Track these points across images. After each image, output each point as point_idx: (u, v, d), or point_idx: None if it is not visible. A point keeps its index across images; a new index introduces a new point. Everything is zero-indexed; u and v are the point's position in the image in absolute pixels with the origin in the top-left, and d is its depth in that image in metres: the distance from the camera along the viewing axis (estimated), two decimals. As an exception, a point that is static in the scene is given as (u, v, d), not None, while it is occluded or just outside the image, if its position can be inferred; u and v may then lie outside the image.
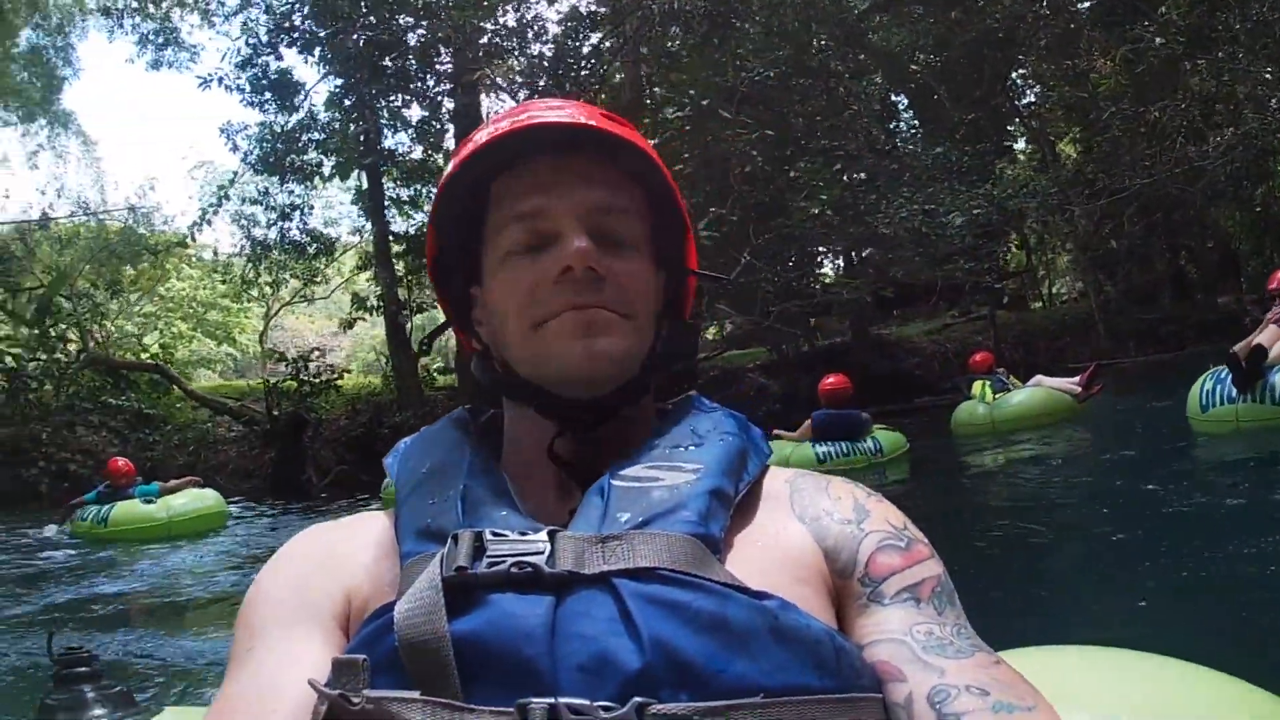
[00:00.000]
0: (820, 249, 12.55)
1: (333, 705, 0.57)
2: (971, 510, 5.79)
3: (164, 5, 15.68)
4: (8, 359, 13.56)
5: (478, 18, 11.70)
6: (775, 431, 7.95)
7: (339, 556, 0.72)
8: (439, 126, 12.98)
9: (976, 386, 9.12)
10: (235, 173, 13.75)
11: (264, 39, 12.94)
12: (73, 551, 7.69)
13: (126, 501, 8.22)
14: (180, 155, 46.69)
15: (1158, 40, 12.05)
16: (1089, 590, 3.54)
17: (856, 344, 13.97)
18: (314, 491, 11.28)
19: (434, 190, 0.85)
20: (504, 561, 0.60)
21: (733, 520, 0.68)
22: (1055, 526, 4.72)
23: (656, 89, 11.75)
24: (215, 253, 17.84)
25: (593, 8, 12.46)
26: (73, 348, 13.97)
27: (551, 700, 0.54)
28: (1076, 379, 9.10)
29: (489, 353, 0.78)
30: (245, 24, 13.68)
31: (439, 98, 12.66)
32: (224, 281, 17.69)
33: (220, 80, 12.56)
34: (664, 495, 0.66)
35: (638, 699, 0.54)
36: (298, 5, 12.78)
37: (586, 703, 0.54)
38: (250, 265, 14.23)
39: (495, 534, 0.63)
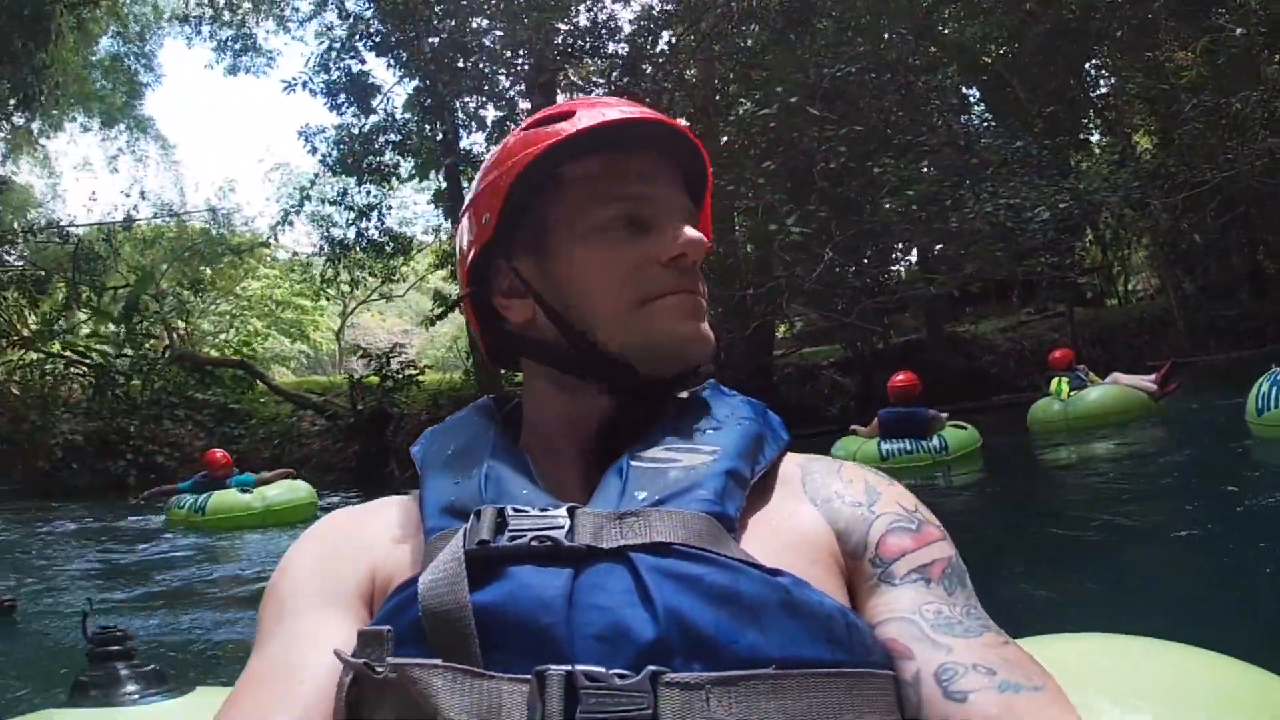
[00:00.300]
0: (897, 245, 12.39)
1: (358, 674, 0.59)
2: (1035, 506, 5.76)
3: (240, 11, 16.08)
4: (95, 355, 14.02)
5: (554, 19, 11.78)
6: (852, 427, 7.92)
7: (364, 536, 0.74)
8: (515, 127, 13.08)
9: (1055, 383, 8.99)
10: (315, 174, 14.03)
11: (344, 42, 13.19)
12: (169, 537, 7.89)
13: (223, 491, 8.43)
14: (257, 158, 47.75)
15: (1238, 31, 11.74)
16: (1136, 584, 3.52)
17: (932, 341, 13.78)
18: (396, 484, 11.44)
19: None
20: (525, 536, 0.62)
21: (748, 502, 0.69)
22: (1112, 523, 4.65)
23: (731, 87, 11.69)
24: (295, 252, 18.33)
25: (667, 7, 12.45)
26: (159, 344, 14.37)
27: (568, 668, 0.55)
28: (1153, 377, 8.93)
29: (536, 323, 0.78)
30: (321, 29, 14.00)
31: (515, 99, 12.77)
32: (303, 280, 18.10)
33: (305, 84, 12.81)
34: (681, 475, 0.68)
35: (652, 667, 0.55)
36: (372, 9, 13.02)
37: (602, 670, 0.55)
38: (329, 264, 14.52)
39: (516, 510, 0.65)
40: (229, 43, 15.92)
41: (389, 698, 0.57)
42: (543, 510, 0.65)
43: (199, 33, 16.20)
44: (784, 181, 9.49)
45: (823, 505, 0.72)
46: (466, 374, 14.31)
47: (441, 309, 12.62)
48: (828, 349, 14.12)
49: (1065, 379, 8.89)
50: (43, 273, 14.62)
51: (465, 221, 0.81)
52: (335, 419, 13.15)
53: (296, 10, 15.31)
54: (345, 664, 0.59)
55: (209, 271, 16.79)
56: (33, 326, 14.83)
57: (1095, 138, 18.20)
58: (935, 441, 7.38)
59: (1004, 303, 16.31)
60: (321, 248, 14.69)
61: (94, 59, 18.52)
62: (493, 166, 0.78)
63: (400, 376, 13.15)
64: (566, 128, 0.75)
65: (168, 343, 14.52)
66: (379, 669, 0.57)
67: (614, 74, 12.01)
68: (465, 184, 14.11)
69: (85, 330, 15.30)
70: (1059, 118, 14.90)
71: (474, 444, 0.76)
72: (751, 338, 11.63)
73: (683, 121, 13.03)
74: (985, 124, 16.00)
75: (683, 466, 0.68)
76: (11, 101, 14.52)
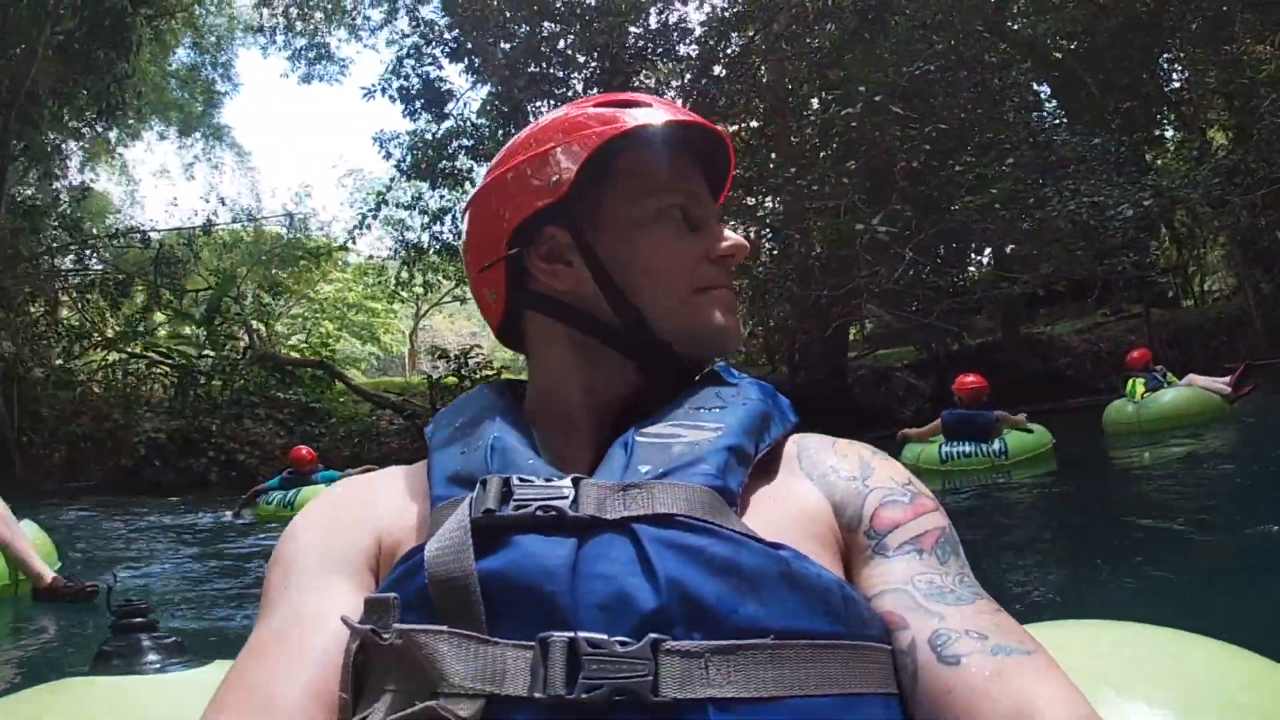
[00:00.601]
0: (972, 244, 12.25)
1: (364, 640, 0.59)
2: (1098, 507, 5.67)
3: (313, 21, 16.41)
4: (177, 356, 14.41)
5: (626, 22, 11.85)
6: (903, 432, 7.82)
7: (370, 505, 0.75)
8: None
9: (1130, 384, 8.85)
10: (391, 179, 14.28)
11: (423, 49, 13.40)
12: (256, 532, 8.04)
13: (311, 486, 8.61)
14: (330, 164, 48.81)
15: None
16: (1193, 584, 3.46)
17: (1007, 342, 13.57)
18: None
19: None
20: (530, 505, 0.63)
21: (751, 479, 0.70)
22: (1173, 526, 4.54)
23: (804, 87, 11.64)
24: (371, 255, 18.68)
25: (738, 9, 12.45)
26: (239, 345, 14.73)
27: (571, 634, 0.56)
28: (1227, 379, 8.72)
29: (579, 291, 0.79)
30: (392, 37, 14.23)
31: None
32: (376, 284, 18.42)
33: (384, 90, 13.04)
34: (684, 450, 0.68)
35: (653, 635, 0.56)
36: (446, 16, 13.20)
37: (604, 637, 0.56)
38: (404, 267, 14.74)
39: (522, 479, 0.65)
40: (303, 51, 16.28)
41: (395, 664, 0.58)
42: (547, 480, 0.66)
43: (274, 42, 16.59)
44: (864, 181, 9.43)
45: (819, 480, 0.74)
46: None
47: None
48: (901, 351, 13.98)
49: (1141, 380, 8.76)
50: (124, 276, 15.06)
51: (508, 178, 0.80)
52: (414, 418, 13.36)
53: (368, 19, 15.60)
54: (352, 630, 0.60)
55: (286, 275, 17.15)
56: (115, 328, 15.28)
57: (1169, 133, 17.78)
58: (996, 445, 7.27)
59: (1079, 304, 16.01)
60: (396, 251, 14.93)
61: (171, 69, 19.09)
62: (559, 132, 0.78)
63: (477, 376, 13.32)
64: (647, 116, 0.78)
65: (248, 344, 14.86)
66: (385, 635, 0.58)
67: (686, 76, 12.04)
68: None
69: (164, 332, 15.73)
70: (1134, 113, 14.60)
71: (481, 416, 0.77)
72: (827, 339, 11.57)
73: (754, 123, 13.05)
74: (1058, 121, 15.75)
75: (687, 442, 0.69)
76: (94, 110, 15.01)
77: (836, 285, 10.06)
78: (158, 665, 1.09)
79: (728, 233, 0.82)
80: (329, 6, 16.13)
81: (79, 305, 15.02)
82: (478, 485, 0.65)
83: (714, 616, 0.58)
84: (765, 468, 0.73)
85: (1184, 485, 5.92)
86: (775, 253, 10.75)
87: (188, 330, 15.23)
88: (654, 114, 0.79)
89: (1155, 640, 0.82)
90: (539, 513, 0.62)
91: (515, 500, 0.63)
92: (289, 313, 19.37)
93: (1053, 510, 6.03)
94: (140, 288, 15.32)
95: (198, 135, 20.42)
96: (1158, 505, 5.26)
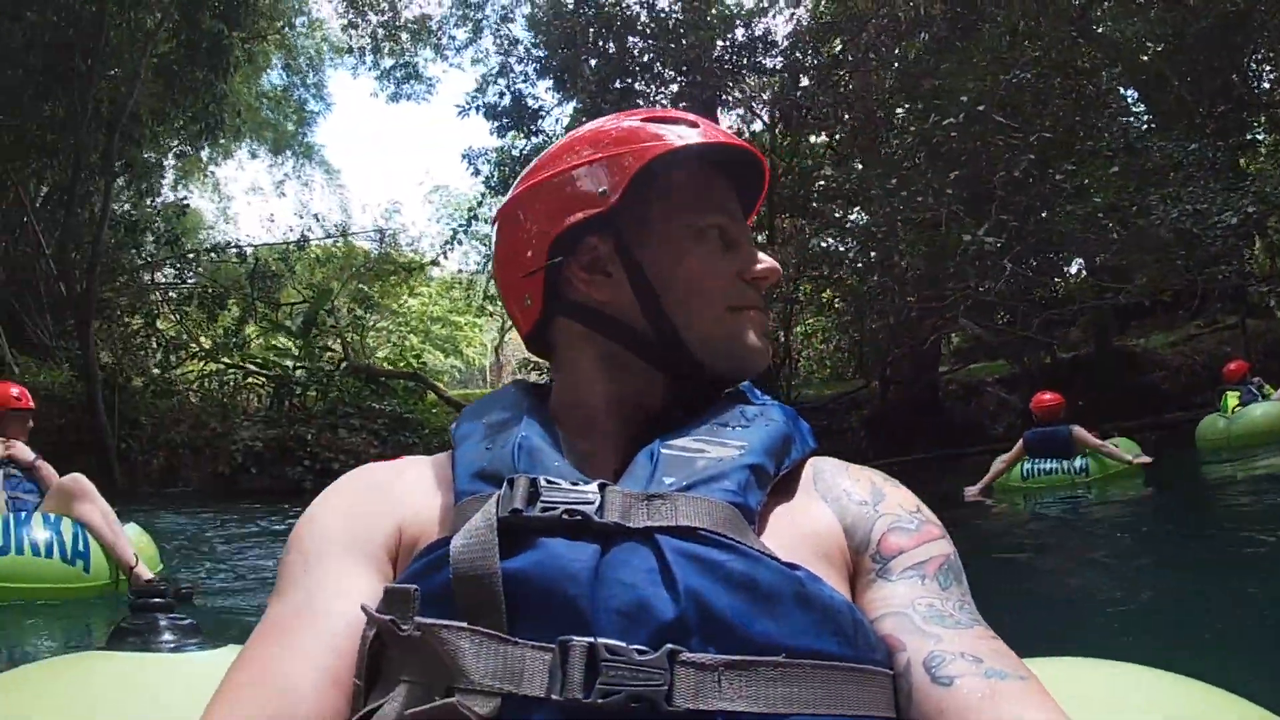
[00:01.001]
0: (1064, 255, 12.04)
1: (381, 630, 0.60)
2: (1176, 526, 5.62)
3: (400, 42, 16.85)
4: (273, 367, 14.88)
5: (713, 36, 11.96)
6: (995, 465, 7.67)
7: (394, 491, 0.76)
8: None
9: (1224, 398, 8.68)
10: (481, 195, 14.56)
11: (503, 66, 13.69)
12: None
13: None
14: (417, 181, 49.91)
15: None
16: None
17: (1099, 356, 13.30)
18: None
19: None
20: (556, 508, 0.63)
21: (769, 498, 0.71)
22: (1245, 548, 4.45)
23: (894, 98, 11.61)
24: (461, 269, 19.09)
25: (826, 19, 12.47)
26: (335, 357, 15.15)
27: (591, 640, 0.57)
28: None
29: (616, 302, 0.81)
30: (477, 56, 14.53)
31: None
32: (463, 298, 18.77)
33: (477, 108, 13.34)
34: (708, 464, 0.70)
35: (670, 645, 0.57)
36: (531, 33, 13.45)
37: (623, 644, 0.57)
38: (492, 282, 14.98)
39: (549, 481, 0.66)
40: (391, 71, 16.72)
41: (413, 656, 0.59)
42: (574, 484, 0.66)
43: (363, 62, 17.09)
44: (962, 191, 9.38)
45: (833, 503, 0.75)
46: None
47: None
48: (992, 365, 13.79)
49: (1235, 393, 8.59)
50: (221, 289, 15.60)
51: (548, 186, 0.81)
52: (504, 428, 13.49)
53: (453, 39, 15.98)
54: (371, 619, 0.61)
55: (377, 288, 17.62)
56: (211, 339, 15.81)
57: (1261, 137, 17.26)
58: (1078, 462, 7.26)
59: (1171, 315, 15.58)
60: (484, 266, 15.20)
61: (263, 89, 19.79)
62: (603, 144, 0.80)
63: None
64: (693, 135, 0.81)
65: (342, 355, 15.27)
66: (404, 627, 0.59)
67: (774, 89, 12.09)
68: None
69: (258, 343, 16.24)
70: (1227, 117, 14.22)
71: (510, 414, 0.78)
72: (918, 354, 11.47)
73: (839, 135, 13.02)
74: (1148, 126, 15.41)
75: (711, 457, 0.71)
76: (195, 129, 15.63)
77: (931, 298, 10.00)
78: (172, 645, 1.11)
79: (761, 255, 0.84)
80: (415, 27, 16.57)
81: (177, 317, 15.59)
82: (505, 483, 0.66)
83: (729, 631, 0.59)
84: (783, 487, 0.75)
85: (1265, 506, 5.79)
86: (861, 266, 10.71)
87: (280, 341, 15.70)
88: (699, 133, 0.81)
89: (1142, 680, 0.85)
90: (565, 516, 0.63)
91: (543, 502, 0.64)
92: (375, 326, 19.88)
93: (1128, 527, 5.98)
94: (234, 301, 15.85)
95: (288, 153, 21.13)
96: (1233, 525, 5.17)
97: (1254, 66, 16.28)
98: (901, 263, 8.66)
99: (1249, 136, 16.63)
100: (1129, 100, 16.48)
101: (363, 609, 0.61)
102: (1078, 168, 9.33)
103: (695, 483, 0.67)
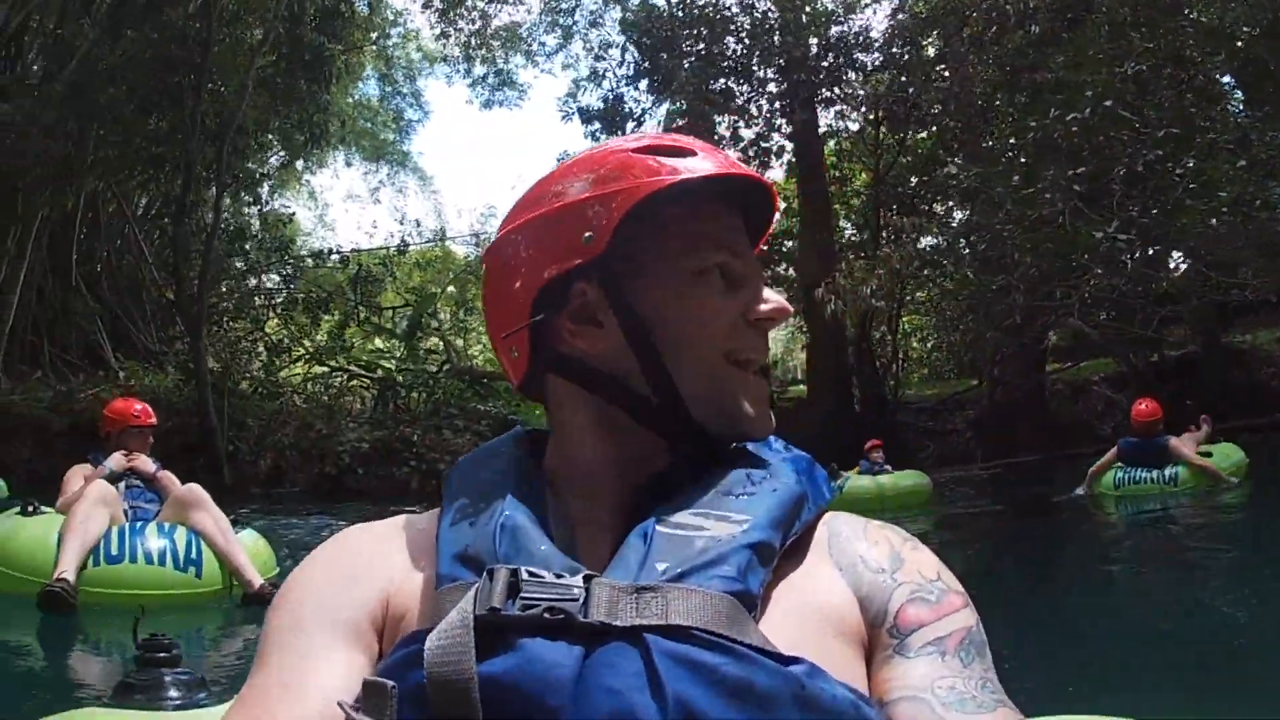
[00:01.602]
0: (1171, 251, 11.72)
1: None
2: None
3: (492, 50, 17.21)
4: (380, 369, 15.32)
5: (809, 35, 11.95)
6: (1091, 471, 7.65)
7: (379, 559, 0.73)
8: (774, 146, 13.30)
9: None
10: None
11: (601, 71, 13.89)
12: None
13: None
14: (509, 185, 50.92)
15: None
16: None
17: (1207, 354, 12.91)
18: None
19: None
20: (537, 605, 0.60)
21: (776, 569, 0.67)
22: None
23: (999, 92, 11.45)
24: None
25: (924, 15, 12.36)
26: (438, 359, 15.54)
27: None
28: None
29: (608, 355, 0.75)
30: (567, 61, 14.74)
31: (772, 117, 13.02)
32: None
33: (577, 113, 13.57)
34: (706, 545, 0.65)
35: None
36: (624, 36, 13.60)
37: None
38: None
39: (531, 574, 0.62)
40: (485, 79, 17.09)
41: None
42: (558, 576, 0.62)
43: (457, 70, 17.49)
44: (1082, 187, 9.23)
45: (847, 570, 0.71)
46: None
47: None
48: (1097, 363, 13.48)
49: None
50: (325, 294, 16.11)
51: (535, 227, 0.75)
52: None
53: (543, 45, 16.25)
54: (348, 716, 0.58)
55: (473, 292, 18.02)
56: (314, 343, 16.31)
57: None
58: (1169, 471, 7.24)
59: (1277, 312, 15.00)
60: (577, 268, 15.38)
61: (361, 99, 20.35)
62: (595, 178, 0.74)
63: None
64: (692, 166, 0.74)
65: (445, 358, 15.63)
66: None
67: (875, 86, 12.03)
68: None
69: (360, 346, 16.72)
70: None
71: (497, 483, 0.73)
72: (1025, 353, 11.31)
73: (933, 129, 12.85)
74: (1246, 116, 14.85)
75: (709, 536, 0.66)
76: (300, 138, 16.17)
77: (1041, 296, 9.85)
78: (178, 700, 1.11)
79: (769, 293, 0.78)
80: (505, 35, 16.91)
81: (284, 321, 16.11)
82: (484, 575, 0.62)
83: None
84: (792, 552, 0.71)
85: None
86: (978, 264, 10.59)
87: (380, 343, 16.09)
88: (699, 164, 0.74)
89: None
90: (546, 615, 0.59)
91: (523, 598, 0.60)
92: (475, 329, 20.27)
93: (1216, 536, 5.97)
94: (336, 306, 16.31)
95: (383, 161, 21.69)
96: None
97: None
98: (1027, 260, 8.55)
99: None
100: (1226, 88, 15.94)
101: (340, 705, 0.59)
102: (1201, 161, 9.10)
103: (691, 569, 0.63)
